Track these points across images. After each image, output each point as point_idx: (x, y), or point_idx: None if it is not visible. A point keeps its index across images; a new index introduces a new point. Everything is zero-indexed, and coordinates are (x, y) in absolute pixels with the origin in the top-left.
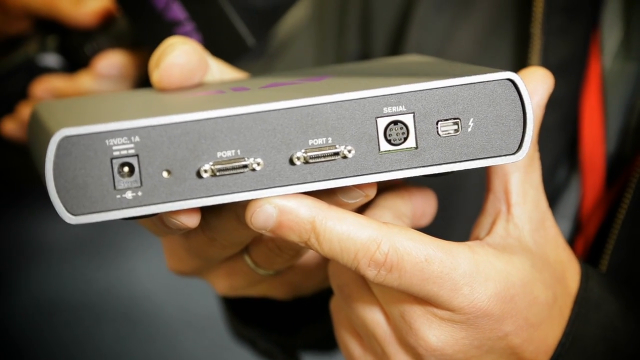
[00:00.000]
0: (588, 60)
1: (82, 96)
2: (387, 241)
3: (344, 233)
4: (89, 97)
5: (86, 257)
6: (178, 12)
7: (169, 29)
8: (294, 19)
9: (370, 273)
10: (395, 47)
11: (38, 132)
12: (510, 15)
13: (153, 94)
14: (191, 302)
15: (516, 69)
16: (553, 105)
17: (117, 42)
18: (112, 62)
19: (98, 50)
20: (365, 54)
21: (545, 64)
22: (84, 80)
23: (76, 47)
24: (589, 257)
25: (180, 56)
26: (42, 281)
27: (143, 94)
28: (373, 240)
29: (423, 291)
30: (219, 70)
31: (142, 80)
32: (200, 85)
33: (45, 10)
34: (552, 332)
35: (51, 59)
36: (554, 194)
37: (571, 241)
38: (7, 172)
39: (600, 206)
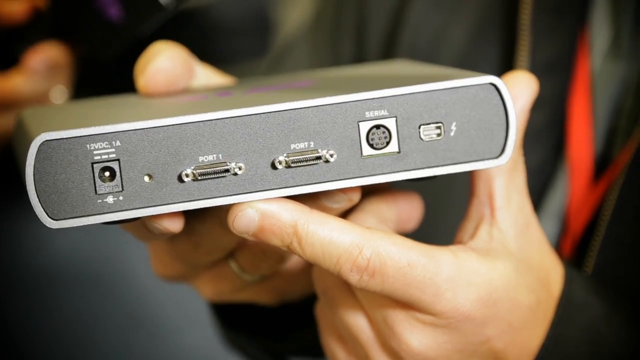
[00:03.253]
0: (576, 59)
1: (68, 103)
2: (369, 246)
3: (326, 237)
4: (74, 103)
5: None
6: None
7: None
8: (292, 26)
9: (353, 278)
10: (389, 50)
11: (21, 137)
12: (499, 14)
13: (138, 99)
14: (192, 300)
15: (504, 68)
16: (540, 104)
17: (45, 36)
18: (43, 57)
19: (27, 48)
20: (359, 57)
21: (533, 63)
22: (17, 79)
23: (6, 48)
24: (575, 257)
25: (166, 61)
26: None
27: (128, 100)
28: (355, 245)
29: (406, 296)
30: (205, 76)
31: (75, 71)
32: (186, 90)
33: None
34: (535, 335)
35: None
36: (541, 193)
37: (558, 240)
38: None
39: (586, 205)
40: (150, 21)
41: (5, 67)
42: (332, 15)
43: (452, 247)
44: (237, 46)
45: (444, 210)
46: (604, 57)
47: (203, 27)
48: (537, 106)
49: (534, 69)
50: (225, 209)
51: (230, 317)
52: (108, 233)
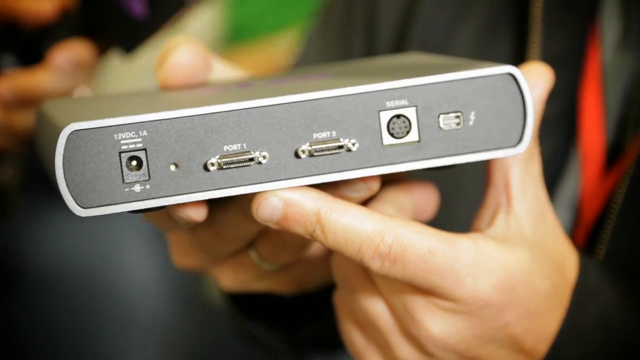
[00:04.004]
0: (587, 52)
1: (89, 95)
2: (391, 233)
3: (348, 225)
4: (95, 95)
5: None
6: None
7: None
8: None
9: (375, 265)
10: (400, 45)
11: (46, 129)
12: (510, 8)
13: (159, 92)
14: (191, 298)
15: (516, 61)
16: (553, 96)
17: (72, 34)
18: (68, 54)
19: (53, 45)
20: (370, 53)
21: (544, 56)
22: (41, 76)
23: (32, 45)
24: (588, 245)
25: (185, 55)
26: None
27: (148, 92)
28: (377, 233)
29: (426, 282)
30: (223, 70)
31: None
32: (204, 84)
33: (3, 10)
34: (552, 321)
35: (7, 60)
36: (554, 183)
37: (571, 229)
38: None
39: (599, 195)
40: (175, 18)
41: (31, 63)
42: (343, 10)
43: (470, 235)
44: None
45: (455, 199)
46: (615, 49)
47: None
48: (550, 98)
49: (545, 62)
50: (248, 198)
51: (247, 306)
52: (106, 234)
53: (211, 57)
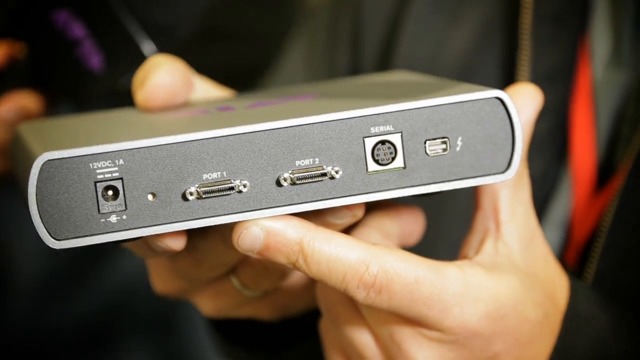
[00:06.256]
0: (577, 68)
1: (66, 117)
2: (376, 262)
3: (332, 254)
4: (72, 118)
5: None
6: (78, 30)
7: (69, 48)
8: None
9: (360, 295)
10: (386, 59)
11: (21, 154)
12: (499, 24)
13: (137, 115)
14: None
15: (505, 78)
16: (543, 114)
17: (19, 84)
18: (13, 105)
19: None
20: (356, 67)
21: (534, 72)
22: None
23: None
24: (578, 265)
25: (166, 76)
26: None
27: (127, 115)
28: (362, 262)
29: (412, 312)
30: (204, 89)
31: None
32: (185, 104)
33: None
34: (543, 349)
35: None
36: (544, 202)
37: (561, 249)
38: None
39: (590, 214)
40: (132, 72)
41: None
42: (327, 25)
43: (458, 263)
44: None
45: (444, 223)
46: (605, 66)
47: None
48: (540, 115)
49: (535, 79)
50: (229, 227)
51: (229, 330)
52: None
53: (192, 75)
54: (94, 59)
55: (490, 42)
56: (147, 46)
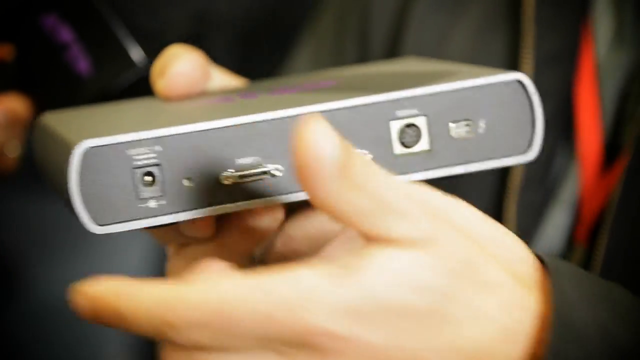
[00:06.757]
0: (580, 50)
1: (90, 108)
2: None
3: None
4: (96, 108)
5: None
6: (66, 34)
7: (57, 52)
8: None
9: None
10: (393, 51)
11: (51, 144)
12: (502, 9)
13: (159, 104)
14: None
15: (510, 61)
16: (548, 95)
17: (6, 88)
18: (0, 108)
19: None
20: (363, 61)
21: (538, 55)
22: None
23: None
24: (589, 242)
25: (186, 65)
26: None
27: (149, 104)
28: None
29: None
30: (220, 79)
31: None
32: (204, 93)
33: None
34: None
35: None
36: (552, 183)
37: (572, 227)
38: None
39: (599, 193)
40: (121, 78)
41: None
42: (334, 19)
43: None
44: None
45: None
46: (608, 46)
47: None
48: (544, 97)
49: (539, 61)
50: (246, 216)
51: None
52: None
53: (209, 65)
54: (82, 64)
55: (494, 27)
56: (135, 51)
